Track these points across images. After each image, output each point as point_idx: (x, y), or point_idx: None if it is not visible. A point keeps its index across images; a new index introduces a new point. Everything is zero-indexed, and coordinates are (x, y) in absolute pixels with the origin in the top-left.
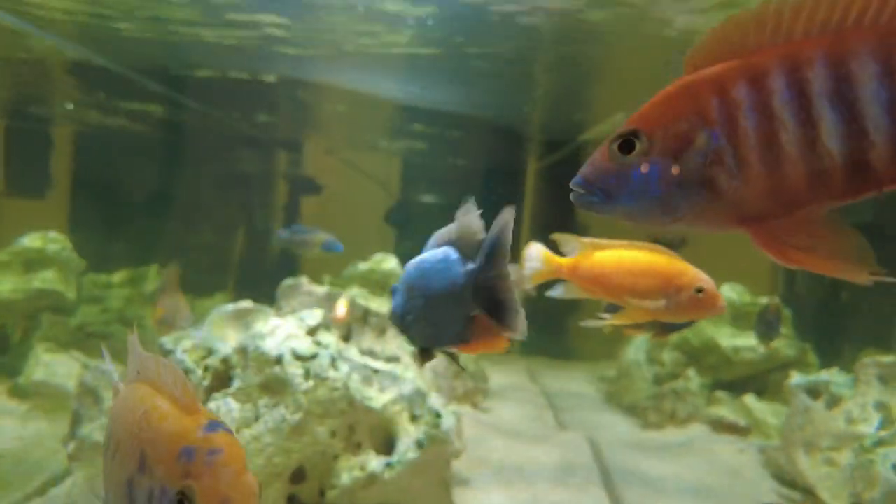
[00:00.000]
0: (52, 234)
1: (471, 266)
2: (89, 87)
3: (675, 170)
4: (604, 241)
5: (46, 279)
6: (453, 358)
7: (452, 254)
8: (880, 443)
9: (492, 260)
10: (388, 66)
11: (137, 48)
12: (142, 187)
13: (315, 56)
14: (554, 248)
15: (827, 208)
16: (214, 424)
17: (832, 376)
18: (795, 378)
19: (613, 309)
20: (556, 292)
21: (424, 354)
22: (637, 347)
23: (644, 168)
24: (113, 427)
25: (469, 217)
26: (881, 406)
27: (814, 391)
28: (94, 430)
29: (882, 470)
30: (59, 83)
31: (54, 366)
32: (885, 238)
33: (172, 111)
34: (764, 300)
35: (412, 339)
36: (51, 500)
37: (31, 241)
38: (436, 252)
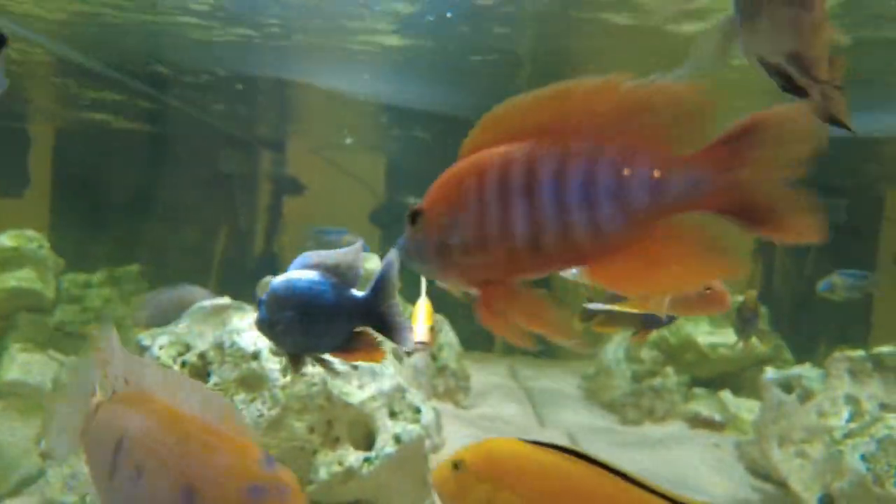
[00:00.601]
0: (29, 233)
1: (358, 294)
2: (69, 85)
3: (434, 242)
4: None
5: (23, 278)
6: (326, 364)
7: (323, 278)
8: (849, 435)
9: (381, 292)
10: (370, 62)
11: (118, 41)
12: (122, 186)
13: (297, 51)
14: None
15: (522, 279)
16: (270, 458)
17: (804, 371)
18: (769, 373)
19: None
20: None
21: (295, 360)
22: (616, 345)
23: (421, 238)
24: (126, 446)
25: (353, 255)
26: (851, 399)
27: (787, 386)
28: None
29: (850, 460)
30: (36, 80)
31: (30, 365)
32: (860, 237)
33: (154, 109)
34: (740, 297)
35: (281, 346)
36: (24, 499)
37: (7, 239)
38: (306, 273)
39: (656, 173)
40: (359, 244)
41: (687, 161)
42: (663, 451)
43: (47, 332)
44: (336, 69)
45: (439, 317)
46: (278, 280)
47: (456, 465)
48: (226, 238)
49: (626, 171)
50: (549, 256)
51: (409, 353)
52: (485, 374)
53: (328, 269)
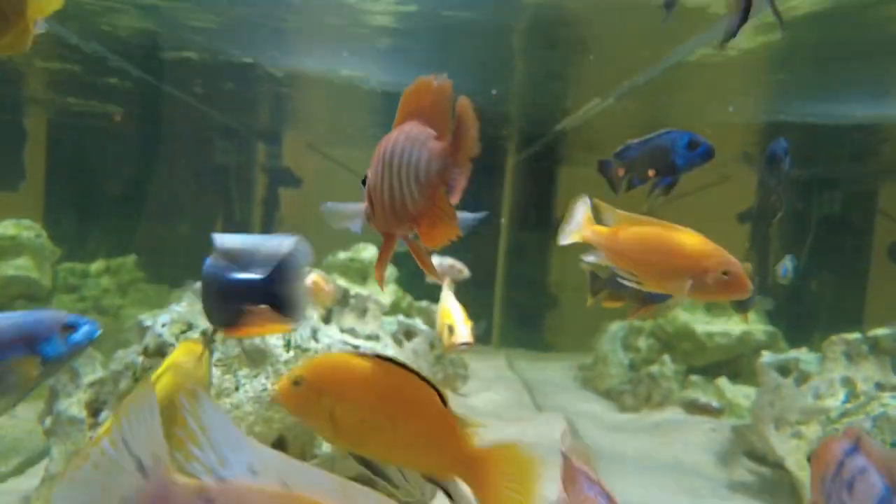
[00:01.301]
0: (27, 222)
1: (254, 277)
2: (63, 75)
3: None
4: (641, 217)
5: (20, 266)
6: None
7: (224, 263)
8: (845, 414)
9: (278, 275)
10: (364, 48)
11: (113, 24)
12: (118, 179)
13: (290, 35)
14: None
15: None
16: None
17: (801, 355)
18: (766, 357)
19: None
20: (590, 258)
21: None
22: (613, 335)
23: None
24: None
25: (277, 243)
26: (847, 381)
27: (784, 369)
28: (71, 405)
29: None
30: (29, 70)
31: None
32: (851, 229)
33: (149, 99)
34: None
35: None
36: (28, 478)
37: (3, 228)
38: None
39: (433, 160)
40: (293, 239)
41: (441, 149)
42: (661, 435)
43: None
44: (330, 53)
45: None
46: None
47: (296, 382)
48: (222, 229)
49: (422, 160)
50: (402, 216)
51: (456, 350)
52: (482, 365)
53: (240, 253)
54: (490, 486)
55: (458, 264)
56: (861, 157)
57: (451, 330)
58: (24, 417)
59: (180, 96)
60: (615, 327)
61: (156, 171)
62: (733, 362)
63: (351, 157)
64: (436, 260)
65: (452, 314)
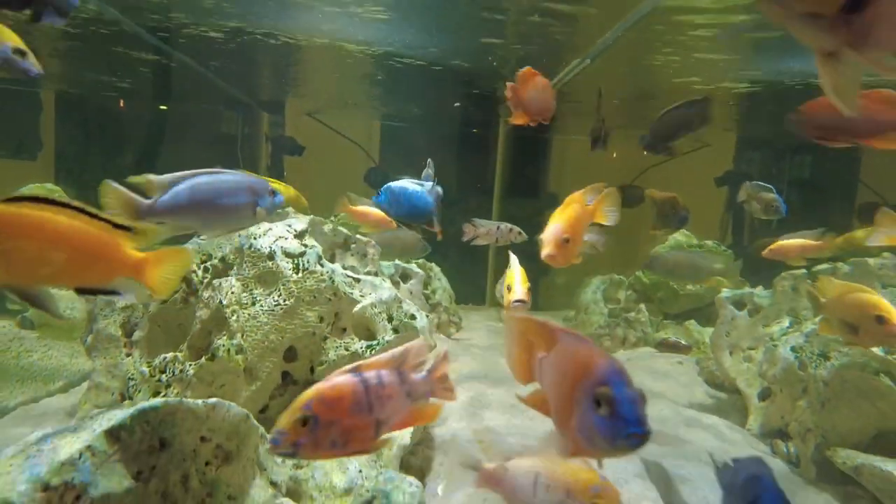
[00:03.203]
0: (49, 185)
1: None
2: (79, 45)
3: None
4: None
5: None
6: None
7: None
8: (784, 335)
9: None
10: (362, 15)
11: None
12: (130, 148)
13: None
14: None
15: None
16: None
17: (756, 291)
18: (724, 292)
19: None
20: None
21: None
22: (595, 287)
23: None
24: None
25: None
26: (792, 310)
27: (739, 303)
28: (108, 325)
29: (783, 352)
30: (46, 39)
31: (60, 299)
32: (822, 193)
33: (160, 69)
34: (709, 242)
35: None
36: (70, 396)
37: (30, 191)
38: None
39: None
40: None
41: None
42: (632, 368)
43: None
44: (325, 17)
45: (433, 264)
46: None
47: None
48: None
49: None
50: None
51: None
52: (475, 317)
53: None
54: (152, 275)
55: (517, 228)
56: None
57: (509, 289)
58: (63, 353)
59: (193, 67)
60: (597, 281)
61: (168, 140)
62: (705, 309)
63: (350, 125)
64: (492, 226)
65: (515, 276)
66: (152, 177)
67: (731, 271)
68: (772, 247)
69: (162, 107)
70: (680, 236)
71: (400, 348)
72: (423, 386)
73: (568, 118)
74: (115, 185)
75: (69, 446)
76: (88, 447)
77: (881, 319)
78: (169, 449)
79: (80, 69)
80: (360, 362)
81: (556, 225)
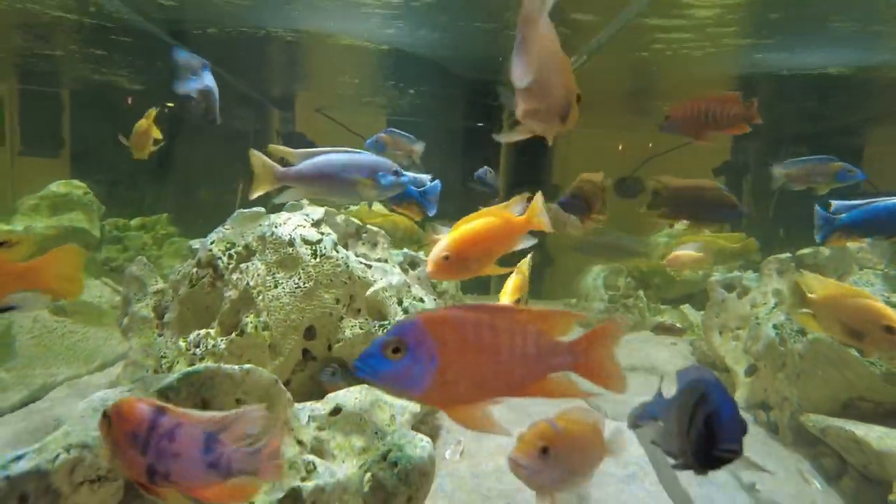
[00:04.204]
0: (74, 182)
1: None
2: (96, 46)
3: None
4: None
5: (74, 219)
6: None
7: None
8: (769, 314)
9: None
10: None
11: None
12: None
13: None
14: None
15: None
16: None
17: (745, 274)
18: (715, 276)
19: None
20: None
21: None
22: (595, 276)
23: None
24: None
25: None
26: (777, 292)
27: (729, 286)
28: (142, 308)
29: (765, 329)
30: (66, 41)
31: (90, 289)
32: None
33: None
34: (705, 232)
35: None
36: (106, 375)
37: (56, 187)
38: None
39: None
40: None
41: (563, 345)
42: (629, 349)
43: (97, 265)
44: (341, 17)
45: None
46: None
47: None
48: (244, 190)
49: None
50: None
51: None
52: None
53: None
54: (47, 279)
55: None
56: (826, 112)
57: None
58: (97, 337)
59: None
60: (597, 269)
61: (182, 137)
62: (700, 294)
63: (358, 121)
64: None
65: (507, 286)
66: (291, 150)
67: (650, 254)
68: (668, 258)
69: (168, 104)
70: (678, 224)
71: (230, 413)
72: (240, 461)
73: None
74: (259, 153)
75: None
76: None
77: (891, 330)
78: (210, 407)
79: (97, 68)
80: (170, 406)
81: (440, 243)
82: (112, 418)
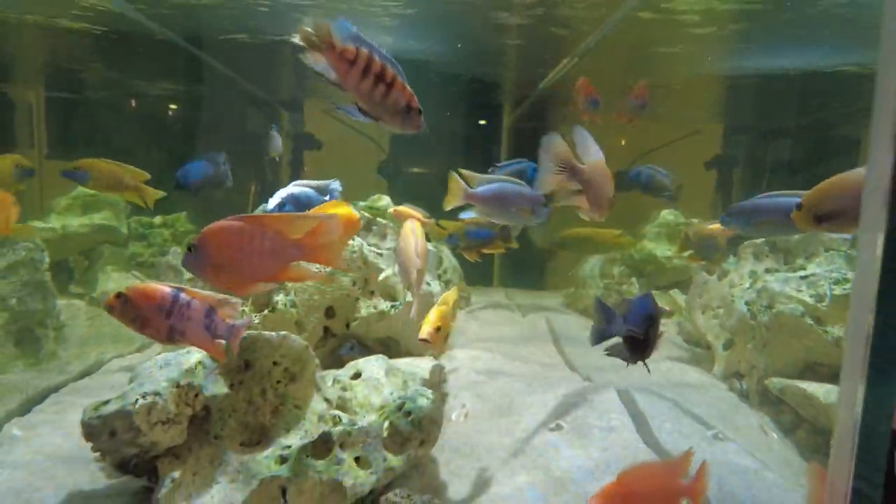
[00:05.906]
0: None
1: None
2: (119, 55)
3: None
4: None
5: (104, 217)
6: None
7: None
8: (743, 293)
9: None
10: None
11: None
12: (168, 149)
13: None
14: None
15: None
16: None
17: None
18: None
19: None
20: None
21: None
22: (592, 265)
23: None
24: None
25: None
26: (752, 273)
27: (710, 270)
28: None
29: (738, 305)
30: (91, 50)
31: (121, 281)
32: (801, 174)
33: (193, 74)
34: (695, 220)
35: None
36: (145, 355)
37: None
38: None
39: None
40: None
41: (294, 241)
42: None
43: (125, 260)
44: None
45: (444, 246)
46: None
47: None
48: (256, 190)
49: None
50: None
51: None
52: (483, 295)
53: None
54: None
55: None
56: (811, 107)
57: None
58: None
59: (221, 70)
60: (594, 259)
61: (198, 139)
62: (687, 281)
63: (364, 122)
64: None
65: (431, 313)
66: (472, 173)
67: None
68: None
69: (172, 106)
70: (669, 215)
71: (221, 297)
72: (222, 330)
73: (570, 109)
74: (457, 175)
75: (188, 362)
76: (200, 362)
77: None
78: (252, 369)
79: (120, 76)
80: (187, 288)
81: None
82: (133, 297)
